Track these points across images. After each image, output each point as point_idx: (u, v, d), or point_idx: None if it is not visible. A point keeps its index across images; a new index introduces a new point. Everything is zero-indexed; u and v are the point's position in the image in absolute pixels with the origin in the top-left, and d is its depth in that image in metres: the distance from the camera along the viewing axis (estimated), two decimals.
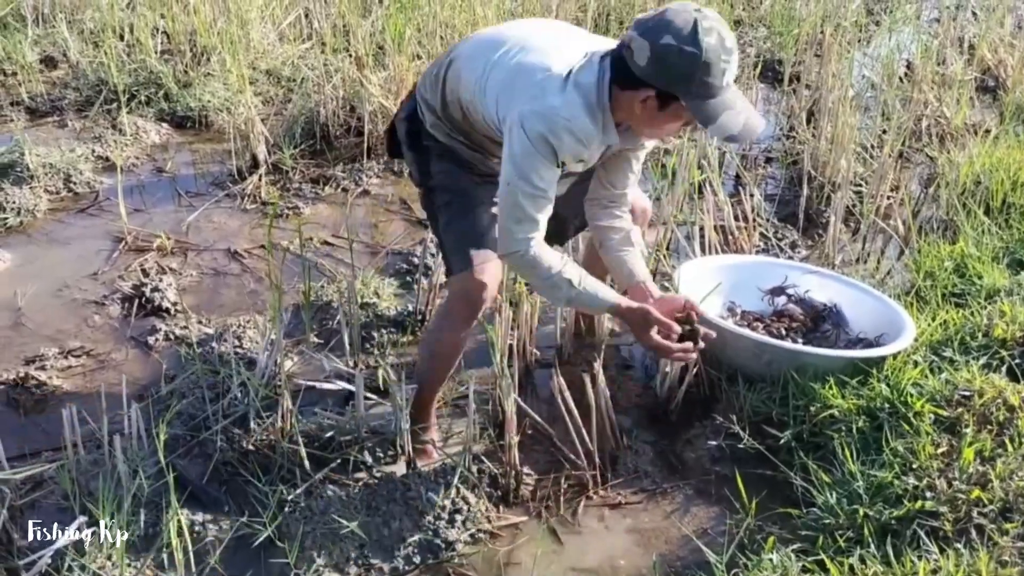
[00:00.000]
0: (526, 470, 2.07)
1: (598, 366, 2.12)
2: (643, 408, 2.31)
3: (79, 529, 1.76)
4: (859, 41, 4.86)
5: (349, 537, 1.82)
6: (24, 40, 4.28)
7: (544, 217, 1.81)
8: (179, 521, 1.73)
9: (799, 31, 4.60)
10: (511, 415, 1.97)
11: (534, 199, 1.78)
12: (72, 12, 4.63)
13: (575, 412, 2.04)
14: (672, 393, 2.23)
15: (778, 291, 2.48)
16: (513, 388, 1.98)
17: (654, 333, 1.89)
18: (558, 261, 1.85)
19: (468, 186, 2.01)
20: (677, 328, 1.92)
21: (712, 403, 2.29)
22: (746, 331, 2.27)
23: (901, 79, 4.17)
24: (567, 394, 2.02)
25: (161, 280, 2.76)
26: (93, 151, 3.56)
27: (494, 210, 1.94)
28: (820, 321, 2.41)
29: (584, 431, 2.05)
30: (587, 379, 2.07)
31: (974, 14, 5.11)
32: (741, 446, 2.10)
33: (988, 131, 3.61)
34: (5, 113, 3.90)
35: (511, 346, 2.25)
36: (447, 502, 1.92)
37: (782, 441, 2.07)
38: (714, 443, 2.16)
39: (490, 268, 1.95)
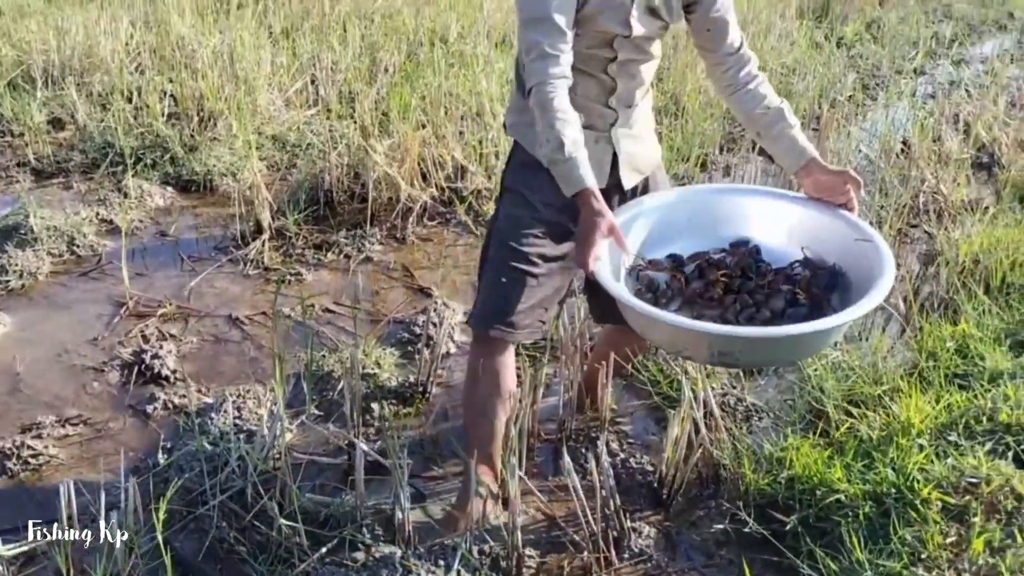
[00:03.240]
0: (528, 552, 2.03)
1: (602, 445, 2.10)
2: (646, 488, 2.28)
3: None
4: (856, 115, 4.95)
5: None
6: (32, 101, 4.34)
7: (562, 42, 1.72)
8: None
9: (795, 106, 4.68)
10: (516, 496, 1.94)
11: (537, 24, 1.72)
12: (81, 74, 4.70)
13: (581, 493, 2.01)
14: (676, 472, 2.20)
15: (742, 244, 1.96)
16: (520, 467, 1.95)
17: (599, 240, 1.68)
18: (565, 119, 1.71)
19: (527, 249, 1.93)
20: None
21: (716, 484, 2.26)
22: (692, 323, 1.69)
23: (898, 155, 4.24)
24: (574, 476, 1.99)
25: (161, 347, 2.75)
26: (97, 214, 3.58)
27: (539, 292, 1.95)
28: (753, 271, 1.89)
29: (588, 512, 2.02)
30: (592, 458, 2.04)
31: (967, 92, 5.22)
32: (747, 530, 2.07)
33: (986, 209, 3.65)
34: (11, 174, 3.93)
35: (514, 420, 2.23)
36: None
37: (788, 526, 2.04)
38: (719, 527, 2.13)
39: (500, 347, 1.97)
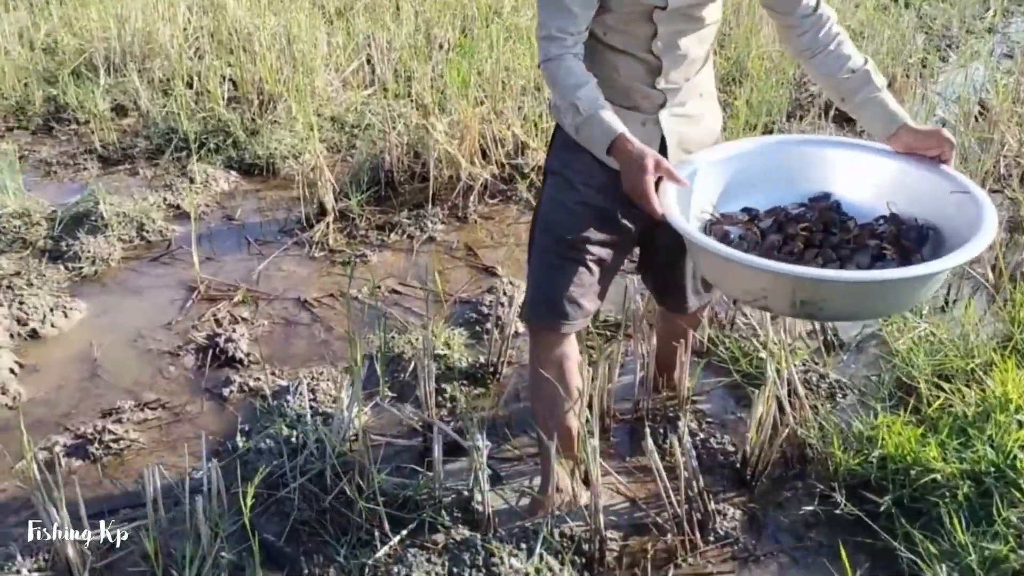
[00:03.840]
0: (610, 534, 1.99)
1: (683, 425, 2.04)
2: (729, 468, 2.22)
3: None
4: (928, 78, 4.76)
5: None
6: (96, 89, 4.39)
7: (570, 25, 1.65)
8: None
9: None
10: (597, 478, 1.90)
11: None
12: (142, 61, 4.74)
13: (664, 474, 1.96)
14: (761, 453, 2.13)
15: (822, 199, 1.84)
16: (599, 449, 1.91)
17: (650, 180, 1.57)
18: (575, 82, 1.64)
19: (572, 236, 1.84)
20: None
21: (803, 464, 2.19)
22: (776, 264, 1.57)
23: (976, 118, 4.05)
24: (656, 457, 1.94)
25: (234, 330, 2.76)
26: (164, 199, 3.61)
27: (588, 278, 1.86)
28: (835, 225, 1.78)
29: (671, 493, 1.97)
30: (674, 439, 1.99)
31: None
32: (838, 512, 2.00)
33: None
34: (79, 161, 3.99)
35: (589, 402, 2.19)
36: (531, 569, 1.86)
37: (882, 508, 1.97)
38: (808, 508, 2.06)
39: (556, 339, 1.91)
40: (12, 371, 2.60)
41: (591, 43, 1.74)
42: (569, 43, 1.67)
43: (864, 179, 1.84)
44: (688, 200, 1.71)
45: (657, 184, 1.60)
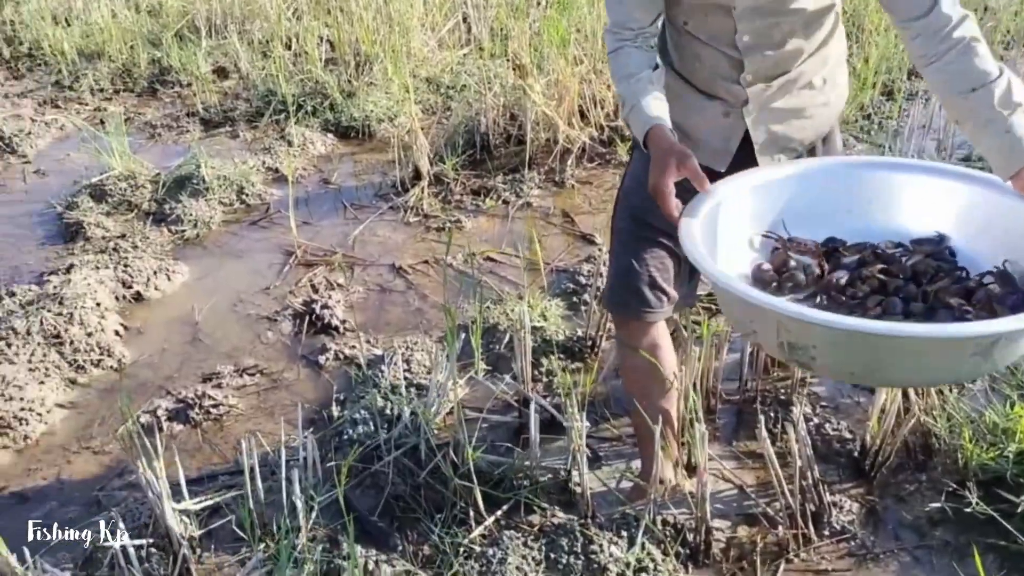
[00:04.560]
0: (716, 524, 1.89)
1: (798, 409, 1.91)
2: (846, 458, 2.07)
3: (255, 569, 1.73)
4: None
5: None
6: (198, 51, 4.44)
7: (628, 20, 1.55)
8: (359, 568, 1.66)
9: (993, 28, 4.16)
10: (704, 464, 1.79)
11: None
12: (242, 23, 4.77)
13: (775, 461, 1.84)
14: (883, 442, 1.98)
15: (931, 242, 1.49)
16: (707, 435, 1.80)
17: (669, 180, 1.40)
18: (625, 72, 1.54)
19: (652, 218, 1.65)
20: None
21: (928, 456, 2.03)
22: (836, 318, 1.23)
23: None
24: (768, 443, 1.82)
25: (330, 297, 2.75)
26: (263, 162, 3.63)
27: (671, 262, 1.71)
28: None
29: (783, 483, 1.85)
30: (788, 424, 1.86)
31: None
32: (967, 510, 1.84)
33: None
34: (182, 124, 4.05)
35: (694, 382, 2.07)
36: (631, 558, 1.77)
37: (1020, 507, 1.80)
38: (935, 504, 1.90)
39: (642, 327, 1.78)
40: (117, 333, 2.65)
41: (674, 30, 1.62)
42: (627, 36, 1.57)
43: (976, 222, 1.47)
44: (738, 217, 1.47)
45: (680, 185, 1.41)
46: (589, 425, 2.14)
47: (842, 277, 1.42)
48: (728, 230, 1.45)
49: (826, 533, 1.87)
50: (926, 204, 1.51)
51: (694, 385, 2.03)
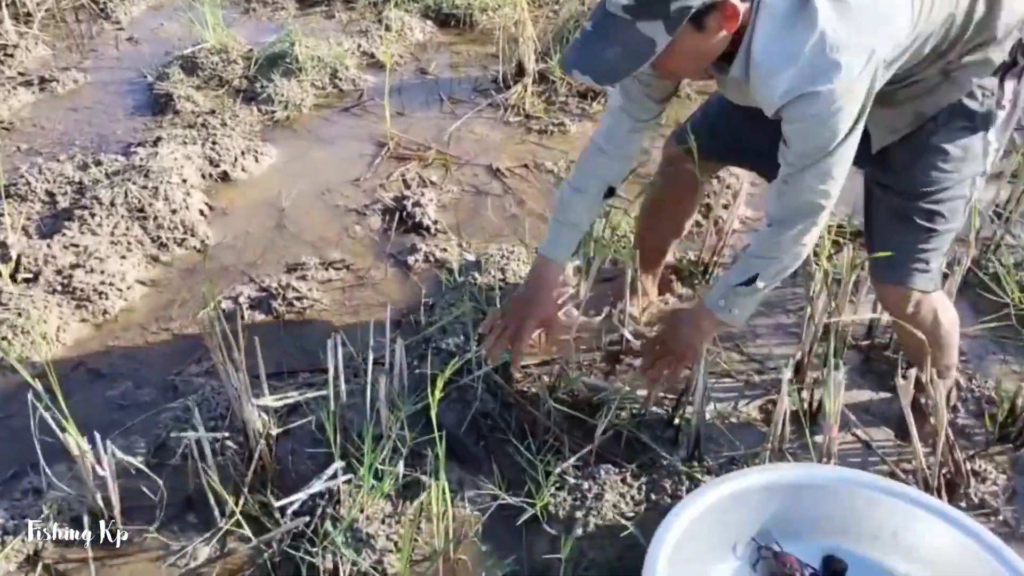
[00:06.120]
0: None
1: (934, 370, 1.67)
2: (992, 423, 1.84)
3: (335, 475, 1.61)
4: None
5: (625, 537, 1.54)
6: None
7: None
8: (444, 488, 1.53)
9: None
10: (834, 416, 1.59)
11: None
12: None
13: (912, 419, 1.62)
14: None
15: None
16: (842, 385, 1.59)
17: (524, 328, 1.74)
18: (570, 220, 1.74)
19: None
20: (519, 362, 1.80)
21: None
22: None
23: None
24: (909, 396, 1.60)
25: (423, 194, 2.57)
26: (359, 46, 3.43)
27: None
28: None
29: (918, 444, 1.63)
30: (928, 383, 1.64)
31: None
32: None
33: None
34: (277, 0, 3.85)
35: (825, 328, 1.85)
36: None
37: None
38: None
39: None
40: (202, 213, 2.54)
41: None
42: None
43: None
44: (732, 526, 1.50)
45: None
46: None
47: None
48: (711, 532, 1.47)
49: (963, 505, 1.66)
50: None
51: (826, 329, 1.82)
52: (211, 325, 1.61)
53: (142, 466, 1.58)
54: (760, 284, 1.53)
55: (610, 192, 1.71)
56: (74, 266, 2.23)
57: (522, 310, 1.73)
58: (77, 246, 2.30)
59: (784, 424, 1.66)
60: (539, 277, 1.74)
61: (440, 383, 1.53)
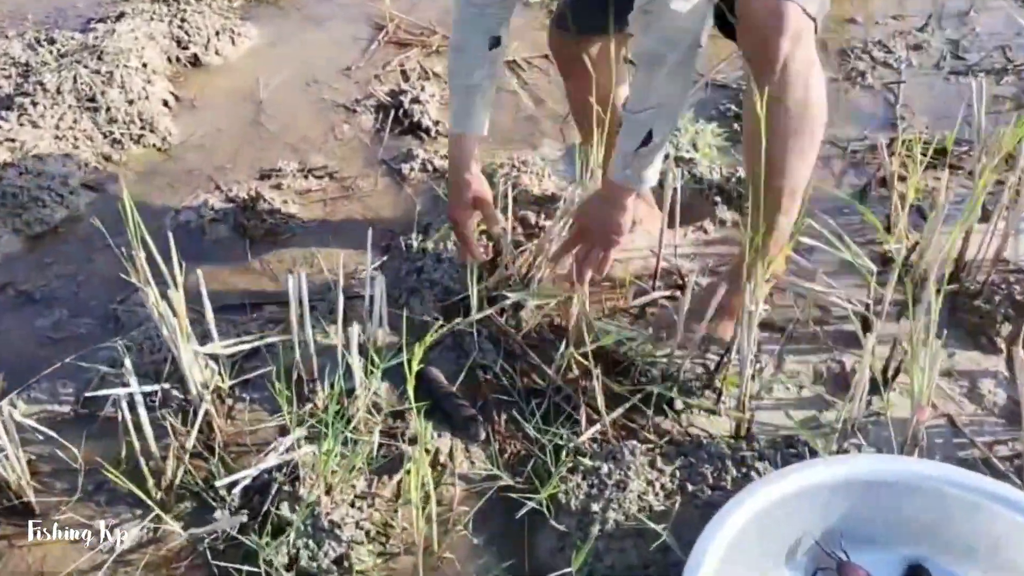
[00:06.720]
0: None
1: None
2: None
3: (292, 448, 1.30)
4: None
5: (653, 535, 1.23)
6: None
7: None
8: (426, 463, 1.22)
9: None
10: (926, 401, 1.25)
11: None
12: None
13: None
14: None
15: None
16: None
17: (471, 220, 1.58)
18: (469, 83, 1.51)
19: None
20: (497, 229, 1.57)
21: None
22: None
23: None
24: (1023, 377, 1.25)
25: (423, 88, 2.18)
26: None
27: None
28: None
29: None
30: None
31: None
32: None
33: None
34: None
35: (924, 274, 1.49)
36: None
37: None
38: None
39: None
40: (166, 103, 2.17)
41: None
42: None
43: None
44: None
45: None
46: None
47: None
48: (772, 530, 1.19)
49: None
50: None
51: (925, 278, 1.46)
52: (138, 245, 1.27)
53: (53, 433, 1.28)
54: (658, 139, 1.37)
55: (496, 42, 1.49)
56: (7, 165, 1.89)
57: (455, 198, 1.56)
58: (13, 141, 1.96)
59: (861, 399, 1.33)
60: (456, 158, 1.54)
61: (427, 342, 1.20)
